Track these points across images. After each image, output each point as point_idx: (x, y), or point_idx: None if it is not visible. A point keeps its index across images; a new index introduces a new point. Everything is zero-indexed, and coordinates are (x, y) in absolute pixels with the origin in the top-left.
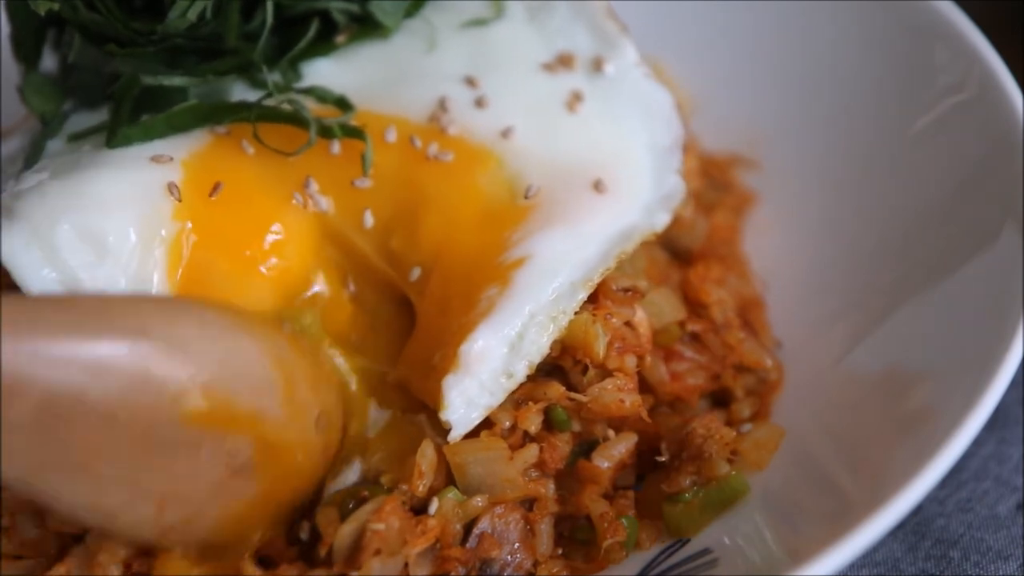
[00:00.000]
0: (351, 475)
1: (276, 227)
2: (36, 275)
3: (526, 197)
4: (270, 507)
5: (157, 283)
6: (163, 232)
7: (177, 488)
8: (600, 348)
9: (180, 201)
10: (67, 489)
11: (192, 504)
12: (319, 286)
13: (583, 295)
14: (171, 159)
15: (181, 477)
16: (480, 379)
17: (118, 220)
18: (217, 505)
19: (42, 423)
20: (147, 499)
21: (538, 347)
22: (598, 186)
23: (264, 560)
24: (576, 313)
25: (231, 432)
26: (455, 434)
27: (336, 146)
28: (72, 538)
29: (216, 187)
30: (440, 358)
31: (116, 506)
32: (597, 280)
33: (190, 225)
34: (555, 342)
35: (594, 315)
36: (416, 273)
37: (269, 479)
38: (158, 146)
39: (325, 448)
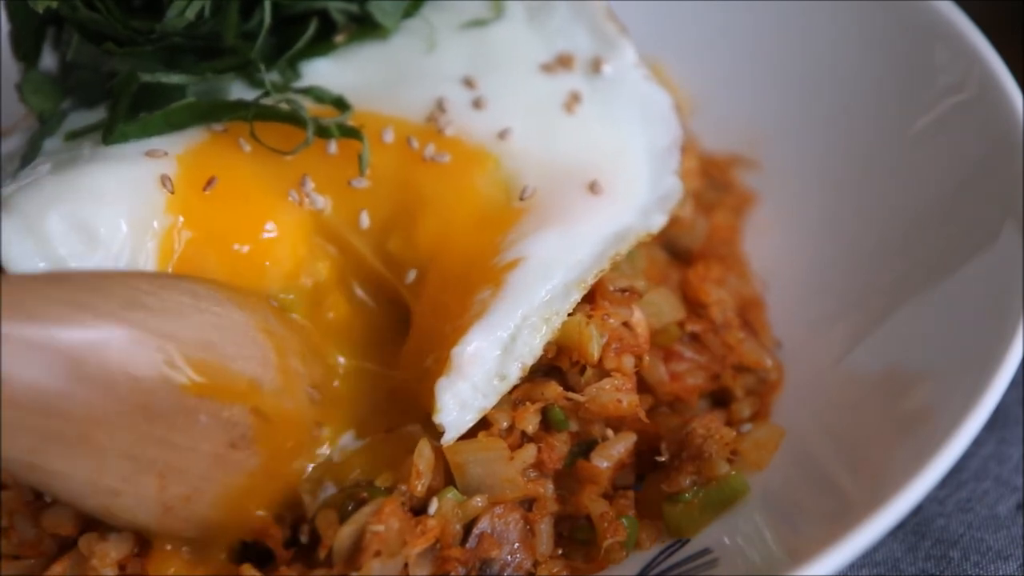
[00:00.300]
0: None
1: (270, 224)
2: (29, 266)
3: (522, 199)
4: (270, 483)
5: None
6: (155, 224)
7: (177, 460)
8: (594, 349)
9: (173, 194)
10: (68, 465)
11: (192, 478)
12: (313, 284)
13: (576, 296)
14: (166, 153)
15: (181, 448)
16: (473, 381)
17: (109, 211)
18: (218, 480)
19: (41, 397)
20: (148, 472)
21: (531, 349)
22: (594, 187)
23: (259, 560)
24: (571, 314)
25: (228, 400)
26: (448, 437)
27: (333, 146)
28: (73, 540)
29: (210, 182)
30: (434, 360)
31: (117, 482)
32: (591, 282)
33: (183, 219)
34: (550, 343)
35: (589, 316)
36: (412, 275)
37: (268, 452)
38: (154, 142)
39: (318, 424)
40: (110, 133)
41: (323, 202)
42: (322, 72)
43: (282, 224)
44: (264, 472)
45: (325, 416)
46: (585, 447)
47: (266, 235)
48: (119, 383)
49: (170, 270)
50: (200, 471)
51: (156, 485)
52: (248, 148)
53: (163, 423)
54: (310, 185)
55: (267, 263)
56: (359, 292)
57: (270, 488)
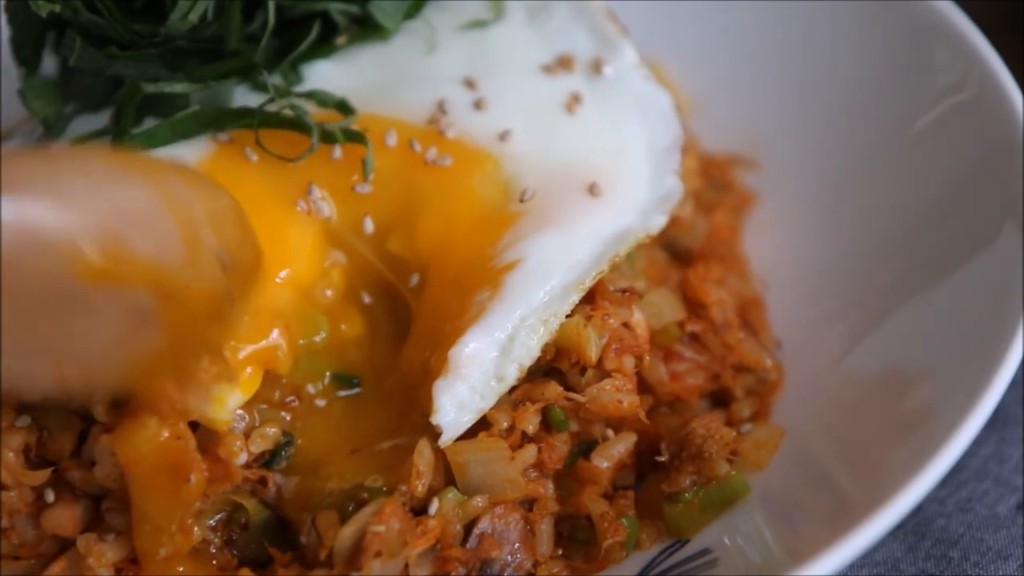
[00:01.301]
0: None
1: (285, 237)
2: None
3: (522, 200)
4: (179, 352)
5: None
6: None
7: (74, 346)
8: (593, 351)
9: None
10: None
11: (91, 361)
12: (328, 294)
13: (575, 298)
14: None
15: (78, 335)
16: (470, 383)
17: None
18: (121, 358)
19: None
20: (40, 356)
21: (528, 350)
22: (593, 189)
23: (258, 564)
24: (570, 315)
25: (129, 284)
26: (446, 437)
27: (337, 151)
28: (72, 540)
29: None
30: (434, 361)
31: (7, 364)
32: (589, 283)
33: None
34: (549, 345)
35: (589, 317)
36: (415, 280)
37: (174, 325)
38: (163, 155)
39: (236, 285)
40: (117, 145)
41: (329, 209)
42: (323, 74)
43: (295, 236)
44: (172, 343)
45: (236, 284)
46: (585, 447)
47: (282, 249)
48: (8, 272)
49: None
50: (100, 353)
51: (51, 367)
52: (255, 158)
53: (58, 313)
54: (317, 193)
55: (285, 278)
56: (366, 299)
57: (180, 356)
